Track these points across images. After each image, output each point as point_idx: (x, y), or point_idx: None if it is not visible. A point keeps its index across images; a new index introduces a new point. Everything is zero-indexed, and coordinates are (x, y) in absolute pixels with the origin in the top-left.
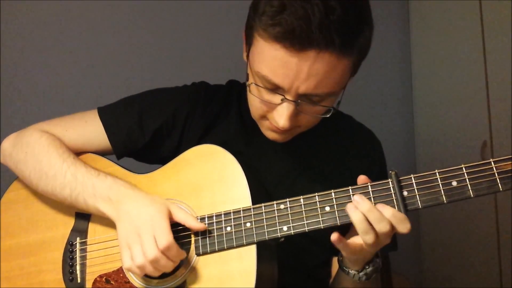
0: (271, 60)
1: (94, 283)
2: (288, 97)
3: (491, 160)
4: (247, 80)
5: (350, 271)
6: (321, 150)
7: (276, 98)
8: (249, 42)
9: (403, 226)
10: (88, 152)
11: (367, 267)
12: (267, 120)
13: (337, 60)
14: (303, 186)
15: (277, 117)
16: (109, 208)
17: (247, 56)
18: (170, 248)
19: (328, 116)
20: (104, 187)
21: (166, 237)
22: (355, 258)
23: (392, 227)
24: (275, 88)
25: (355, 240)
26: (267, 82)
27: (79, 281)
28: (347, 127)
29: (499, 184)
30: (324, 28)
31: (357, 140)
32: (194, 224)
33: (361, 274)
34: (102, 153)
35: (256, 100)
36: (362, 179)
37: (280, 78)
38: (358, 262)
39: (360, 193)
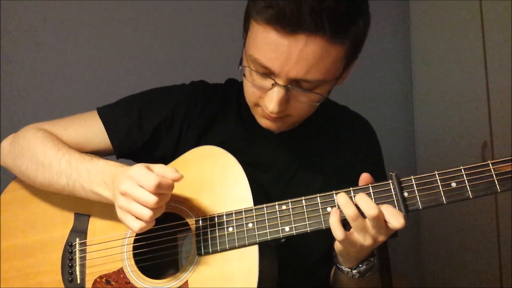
0: (263, 43)
1: (94, 283)
2: (278, 81)
3: (489, 162)
4: (240, 64)
5: (344, 268)
6: (319, 143)
7: (267, 83)
8: (246, 28)
9: (395, 220)
10: (87, 151)
11: (361, 265)
12: (259, 107)
13: (328, 46)
14: (303, 180)
15: (267, 101)
16: (106, 191)
17: (244, 42)
18: (160, 184)
19: (318, 104)
20: (97, 171)
21: (150, 178)
22: (351, 252)
23: (384, 221)
24: (266, 73)
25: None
26: (259, 65)
27: (78, 281)
28: (342, 118)
29: (497, 186)
30: (314, 13)
31: (353, 130)
32: (171, 174)
33: (354, 272)
34: (101, 153)
35: (248, 84)
36: (364, 176)
37: (271, 61)
38: (352, 259)
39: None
